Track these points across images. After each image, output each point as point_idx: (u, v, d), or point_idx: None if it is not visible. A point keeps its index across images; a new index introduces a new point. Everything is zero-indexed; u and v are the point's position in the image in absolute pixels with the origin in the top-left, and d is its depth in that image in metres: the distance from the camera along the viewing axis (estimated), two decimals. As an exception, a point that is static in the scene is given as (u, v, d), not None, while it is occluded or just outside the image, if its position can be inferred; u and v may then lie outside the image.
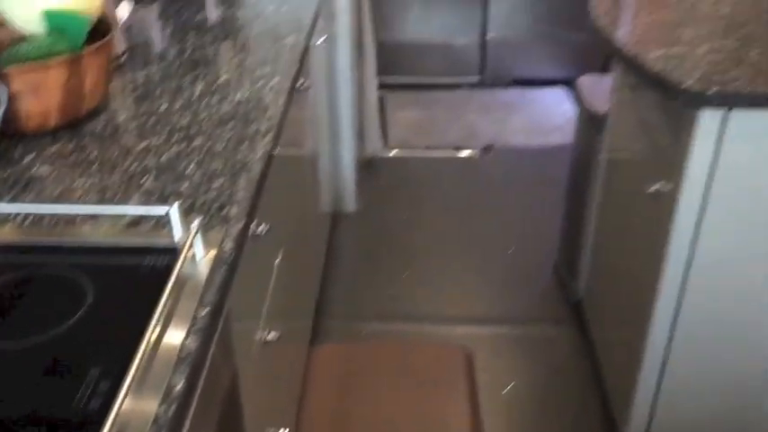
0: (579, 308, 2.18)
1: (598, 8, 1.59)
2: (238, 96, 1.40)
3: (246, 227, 1.03)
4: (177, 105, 1.35)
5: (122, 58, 1.55)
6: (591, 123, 2.08)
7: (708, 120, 1.28)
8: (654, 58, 1.34)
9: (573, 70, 3.55)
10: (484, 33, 3.65)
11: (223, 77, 1.49)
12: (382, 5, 3.50)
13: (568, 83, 3.57)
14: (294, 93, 1.53)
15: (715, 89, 1.22)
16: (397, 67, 3.67)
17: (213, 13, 1.91)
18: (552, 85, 3.66)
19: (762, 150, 1.31)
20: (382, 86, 3.39)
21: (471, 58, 3.71)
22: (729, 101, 1.23)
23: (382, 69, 3.21)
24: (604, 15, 1.55)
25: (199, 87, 1.44)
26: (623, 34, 1.46)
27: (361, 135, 2.91)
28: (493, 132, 3.27)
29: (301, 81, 1.68)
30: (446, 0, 3.57)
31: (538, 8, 3.56)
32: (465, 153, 3.14)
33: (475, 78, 3.72)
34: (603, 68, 2.52)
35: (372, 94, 2.88)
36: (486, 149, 3.15)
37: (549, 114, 3.41)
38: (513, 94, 3.63)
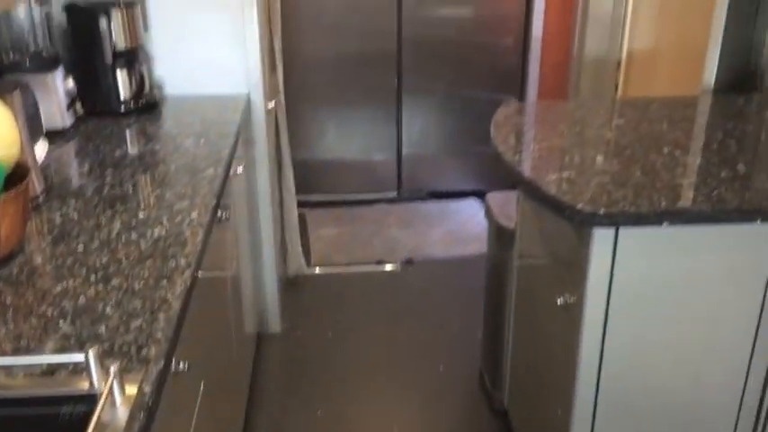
0: (505, 417, 2.22)
1: (497, 137, 1.73)
2: (157, 232, 1.43)
3: (167, 366, 1.04)
4: (95, 245, 1.37)
5: (40, 199, 1.56)
6: (501, 237, 2.19)
7: (601, 237, 1.39)
8: (549, 182, 1.46)
9: (485, 182, 3.74)
10: (399, 150, 3.82)
11: (142, 214, 1.52)
12: (300, 126, 3.64)
13: (482, 194, 3.74)
14: (214, 224, 1.58)
15: (603, 210, 1.33)
16: (317, 185, 3.78)
17: (131, 148, 1.96)
18: (467, 197, 3.82)
19: (651, 262, 1.42)
20: (303, 205, 3.47)
21: (388, 174, 3.86)
22: (617, 220, 1.35)
23: (302, 188, 3.30)
24: (503, 143, 1.68)
25: (117, 225, 1.46)
26: (521, 160, 1.59)
27: (283, 254, 2.95)
28: (413, 245, 3.37)
29: (221, 213, 1.72)
30: (361, 119, 3.74)
31: (448, 125, 3.78)
32: (387, 267, 3.21)
33: (393, 193, 3.86)
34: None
35: (293, 213, 2.94)
36: (408, 263, 3.23)
37: (466, 225, 3.55)
38: (431, 207, 3.77)
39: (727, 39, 2.06)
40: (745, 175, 1.46)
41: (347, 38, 3.55)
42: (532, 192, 1.48)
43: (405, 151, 3.82)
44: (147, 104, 2.24)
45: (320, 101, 3.67)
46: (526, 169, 1.53)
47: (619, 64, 2.64)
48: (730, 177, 1.46)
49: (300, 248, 3.04)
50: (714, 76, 2.03)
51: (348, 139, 3.78)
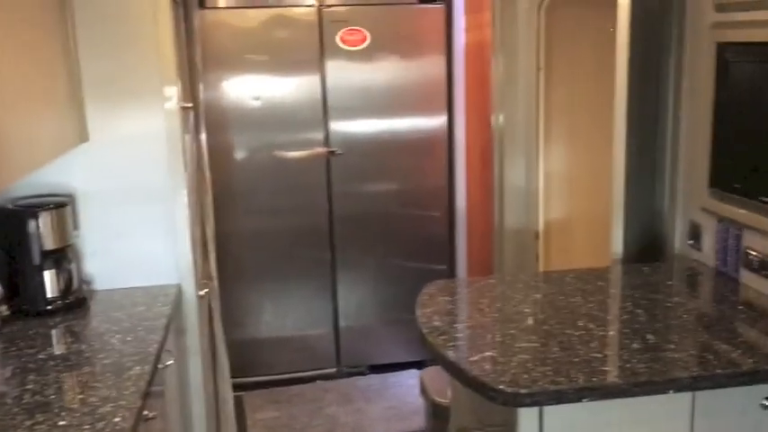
0: None
1: (422, 317, 1.78)
2: (78, 443, 1.38)
3: None
4: (10, 462, 1.32)
5: (-46, 413, 1.51)
6: (438, 414, 2.19)
7: (527, 416, 1.42)
8: (471, 362, 1.50)
9: (423, 352, 3.75)
10: (336, 324, 3.83)
11: (63, 422, 1.48)
12: (235, 306, 3.64)
13: (421, 364, 3.74)
14: (139, 426, 1.54)
15: (524, 390, 1.37)
16: (254, 366, 3.71)
17: (57, 349, 1.92)
18: (406, 368, 3.81)
19: (578, 438, 1.45)
20: (240, 387, 3.39)
21: (326, 349, 3.83)
22: (539, 399, 1.38)
23: (239, 370, 3.25)
24: (427, 324, 1.73)
25: (36, 437, 1.41)
26: (445, 341, 1.63)
27: (218, 445, 2.85)
28: (354, 423, 3.30)
29: (148, 412, 1.69)
30: (297, 295, 3.76)
31: (384, 296, 3.83)
32: (328, 449, 3.11)
33: (332, 369, 3.81)
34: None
35: (228, 404, 2.87)
36: (349, 442, 3.15)
37: (406, 398, 3.51)
38: (371, 380, 3.73)
39: (629, 209, 2.23)
40: (654, 346, 1.54)
41: (280, 216, 3.66)
42: (456, 374, 1.52)
43: (342, 324, 3.83)
44: (75, 302, 2.23)
45: (254, 279, 3.70)
46: (449, 351, 1.57)
47: (537, 235, 2.80)
48: (641, 348, 1.53)
49: (237, 437, 2.94)
50: (621, 247, 2.17)
51: (284, 315, 3.78)
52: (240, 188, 3.59)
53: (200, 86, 2.84)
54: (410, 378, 3.72)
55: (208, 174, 2.79)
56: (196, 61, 2.76)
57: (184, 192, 2.41)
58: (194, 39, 2.72)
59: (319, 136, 3.61)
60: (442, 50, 3.63)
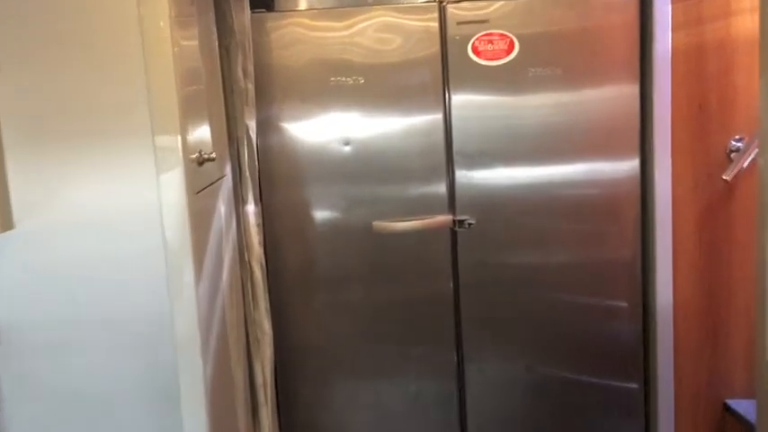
0: None
1: None
2: None
3: None
4: None
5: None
6: None
7: None
8: None
9: None
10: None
11: None
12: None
13: None
14: None
15: None
16: None
17: None
18: None
19: None
20: None
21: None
22: None
23: None
24: None
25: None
26: None
27: None
28: None
29: None
30: (406, 415, 2.76)
31: (536, 420, 2.77)
32: None
33: None
34: None
35: None
36: None
37: None
38: None
39: None
40: None
41: (382, 310, 2.69)
42: None
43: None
44: None
45: (342, 396, 2.70)
46: None
47: None
48: None
49: None
50: None
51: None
52: (322, 271, 2.64)
53: (251, 123, 1.76)
54: None
55: (258, 272, 1.68)
56: (241, 85, 1.67)
57: (195, 322, 1.29)
58: (241, 52, 1.64)
59: (440, 197, 2.60)
60: (633, 61, 2.53)
